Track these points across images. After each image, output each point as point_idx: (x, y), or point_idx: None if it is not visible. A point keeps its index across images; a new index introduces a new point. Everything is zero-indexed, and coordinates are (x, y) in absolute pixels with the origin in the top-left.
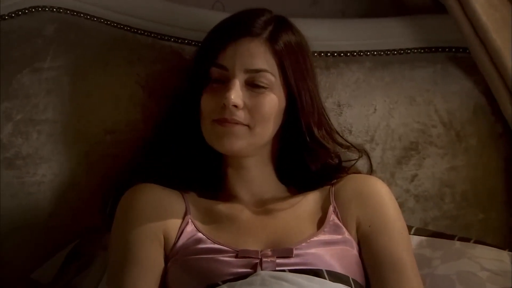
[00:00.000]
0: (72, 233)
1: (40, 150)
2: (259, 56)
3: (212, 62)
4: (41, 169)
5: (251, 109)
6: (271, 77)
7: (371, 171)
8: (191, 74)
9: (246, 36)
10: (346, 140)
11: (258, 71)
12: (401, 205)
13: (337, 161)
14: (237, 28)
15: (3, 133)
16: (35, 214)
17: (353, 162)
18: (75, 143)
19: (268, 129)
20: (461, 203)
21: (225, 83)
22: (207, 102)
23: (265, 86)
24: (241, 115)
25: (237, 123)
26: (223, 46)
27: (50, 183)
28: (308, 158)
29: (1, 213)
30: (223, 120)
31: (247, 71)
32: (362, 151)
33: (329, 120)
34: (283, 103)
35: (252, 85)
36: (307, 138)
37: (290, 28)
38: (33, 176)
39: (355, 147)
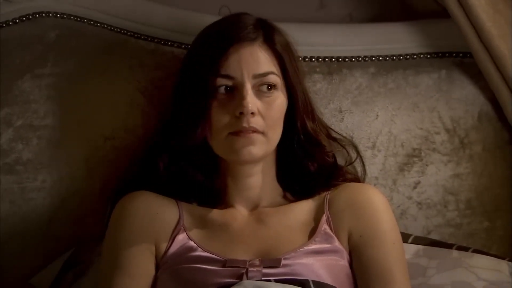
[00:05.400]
0: (71, 239)
1: (40, 156)
2: (262, 60)
3: (216, 73)
4: (41, 175)
5: (264, 115)
6: (277, 78)
7: (364, 173)
8: (189, 85)
9: (244, 42)
10: (338, 134)
11: (265, 74)
12: (403, 212)
13: (333, 161)
14: (232, 35)
15: (4, 139)
16: (34, 220)
17: (351, 163)
18: (75, 149)
19: (278, 132)
20: (465, 211)
21: (233, 92)
22: (219, 116)
23: (274, 89)
24: (257, 122)
25: (255, 131)
26: (223, 55)
27: (50, 189)
28: (304, 156)
29: (0, 218)
30: (241, 131)
31: (255, 76)
32: (353, 146)
33: (321, 117)
34: (286, 104)
35: (260, 91)
36: (301, 136)
37: (276, 28)
38: (33, 181)
39: (353, 144)
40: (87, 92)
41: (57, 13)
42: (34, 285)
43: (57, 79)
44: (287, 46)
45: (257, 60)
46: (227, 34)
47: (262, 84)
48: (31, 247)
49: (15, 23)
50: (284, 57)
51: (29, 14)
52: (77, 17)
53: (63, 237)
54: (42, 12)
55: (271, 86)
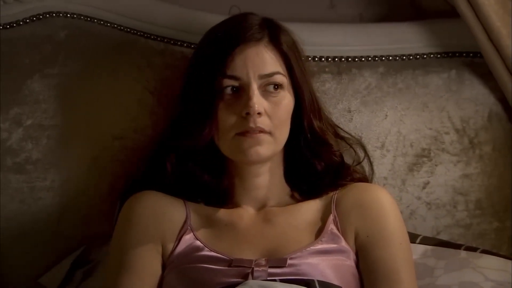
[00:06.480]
0: (80, 239)
1: (50, 156)
2: (268, 60)
3: (222, 74)
4: (50, 174)
5: (271, 115)
6: (283, 78)
7: (372, 172)
8: (195, 86)
9: (249, 42)
10: (346, 133)
11: (271, 74)
12: (412, 212)
13: (340, 160)
14: (237, 35)
15: (14, 138)
16: (43, 219)
17: (359, 163)
18: (84, 149)
19: (285, 132)
20: (475, 212)
21: (239, 93)
22: (226, 116)
23: (280, 88)
24: (264, 122)
25: (261, 131)
26: (229, 55)
27: (59, 188)
28: (311, 155)
29: (10, 217)
30: (247, 131)
31: (261, 76)
32: (361, 145)
33: (329, 117)
34: (293, 104)
35: (267, 91)
36: (308, 135)
37: (282, 28)
38: (42, 181)
39: (360, 143)
40: (96, 92)
41: (66, 13)
42: (43, 284)
43: (66, 79)
44: (293, 46)
45: (263, 60)
46: (232, 35)
47: (269, 84)
48: (40, 246)
49: (25, 23)
50: (290, 57)
51: (39, 14)
52: (87, 17)
53: (72, 236)
54: (52, 12)
55: (278, 86)
